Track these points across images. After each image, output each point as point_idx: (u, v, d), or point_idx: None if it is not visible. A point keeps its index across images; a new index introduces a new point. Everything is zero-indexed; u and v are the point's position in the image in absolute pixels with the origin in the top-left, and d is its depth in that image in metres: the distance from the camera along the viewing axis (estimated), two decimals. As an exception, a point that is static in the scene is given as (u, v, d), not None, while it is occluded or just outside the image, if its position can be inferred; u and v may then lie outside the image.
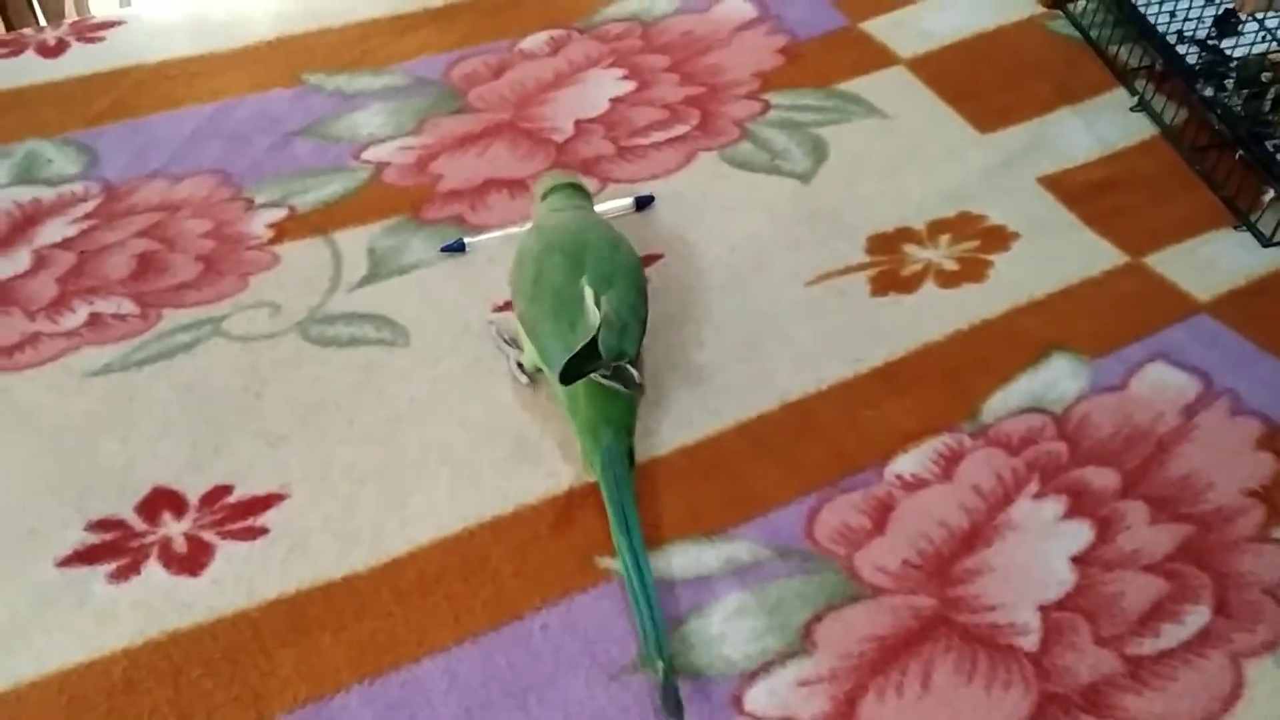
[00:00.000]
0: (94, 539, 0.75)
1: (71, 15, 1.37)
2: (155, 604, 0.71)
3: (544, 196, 0.92)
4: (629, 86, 1.14)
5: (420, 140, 1.07)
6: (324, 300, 0.91)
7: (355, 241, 0.96)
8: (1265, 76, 1.07)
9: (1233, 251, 0.97)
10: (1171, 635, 0.70)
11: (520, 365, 0.84)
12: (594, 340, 0.75)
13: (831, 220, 0.99)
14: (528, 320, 0.81)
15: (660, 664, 0.66)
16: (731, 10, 1.25)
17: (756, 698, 0.67)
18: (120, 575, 0.73)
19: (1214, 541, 0.75)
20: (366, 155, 1.05)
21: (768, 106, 1.12)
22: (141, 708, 0.66)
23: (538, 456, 0.80)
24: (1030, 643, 0.69)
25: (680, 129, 1.09)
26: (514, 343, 0.85)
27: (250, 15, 1.23)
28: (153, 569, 0.73)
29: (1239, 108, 1.05)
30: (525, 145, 1.07)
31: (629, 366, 0.76)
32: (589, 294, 0.79)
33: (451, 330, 0.89)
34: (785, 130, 1.09)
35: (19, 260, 0.95)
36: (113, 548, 0.74)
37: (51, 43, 1.20)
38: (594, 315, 0.77)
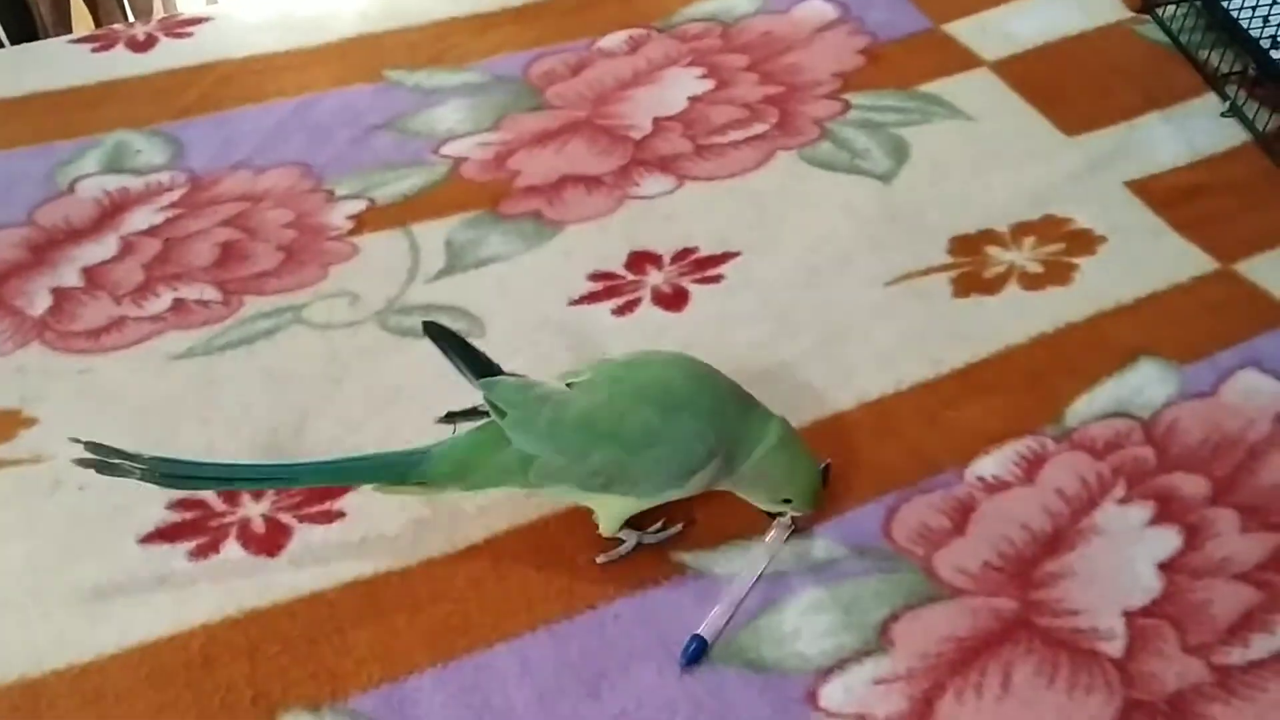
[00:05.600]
0: (176, 518, 0.76)
1: (159, 12, 1.40)
2: (233, 582, 0.72)
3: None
4: (708, 85, 1.14)
5: (499, 136, 1.08)
6: (402, 291, 0.92)
7: (433, 234, 0.97)
8: (1363, 82, 1.04)
9: (1327, 260, 0.94)
10: (1262, 646, 0.68)
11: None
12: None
13: (913, 221, 0.98)
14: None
15: None
16: (812, 11, 1.24)
17: (832, 694, 0.66)
18: (200, 553, 0.74)
19: (1308, 552, 0.73)
20: (445, 150, 1.06)
21: (848, 106, 1.11)
22: (219, 682, 0.67)
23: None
24: (1115, 649, 0.68)
25: (759, 128, 1.08)
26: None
27: (334, 13, 1.25)
28: (231, 548, 0.74)
29: (1335, 114, 1.02)
30: (603, 142, 1.07)
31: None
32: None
33: (528, 324, 0.89)
34: (866, 130, 1.08)
35: (108, 246, 0.97)
36: (193, 526, 0.75)
37: (141, 38, 1.22)
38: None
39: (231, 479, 0.73)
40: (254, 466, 0.75)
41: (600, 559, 0.73)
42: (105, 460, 0.69)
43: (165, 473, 0.70)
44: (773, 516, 0.74)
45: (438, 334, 0.76)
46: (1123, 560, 0.72)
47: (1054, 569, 0.72)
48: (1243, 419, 0.81)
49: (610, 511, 0.72)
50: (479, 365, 0.74)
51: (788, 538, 0.74)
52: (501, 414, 0.70)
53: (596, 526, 0.73)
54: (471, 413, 0.73)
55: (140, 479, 0.69)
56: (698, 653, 0.67)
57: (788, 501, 0.71)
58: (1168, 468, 0.77)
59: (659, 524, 0.74)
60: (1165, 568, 0.72)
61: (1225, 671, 0.67)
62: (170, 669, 0.68)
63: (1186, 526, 0.74)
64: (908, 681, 0.66)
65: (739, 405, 0.71)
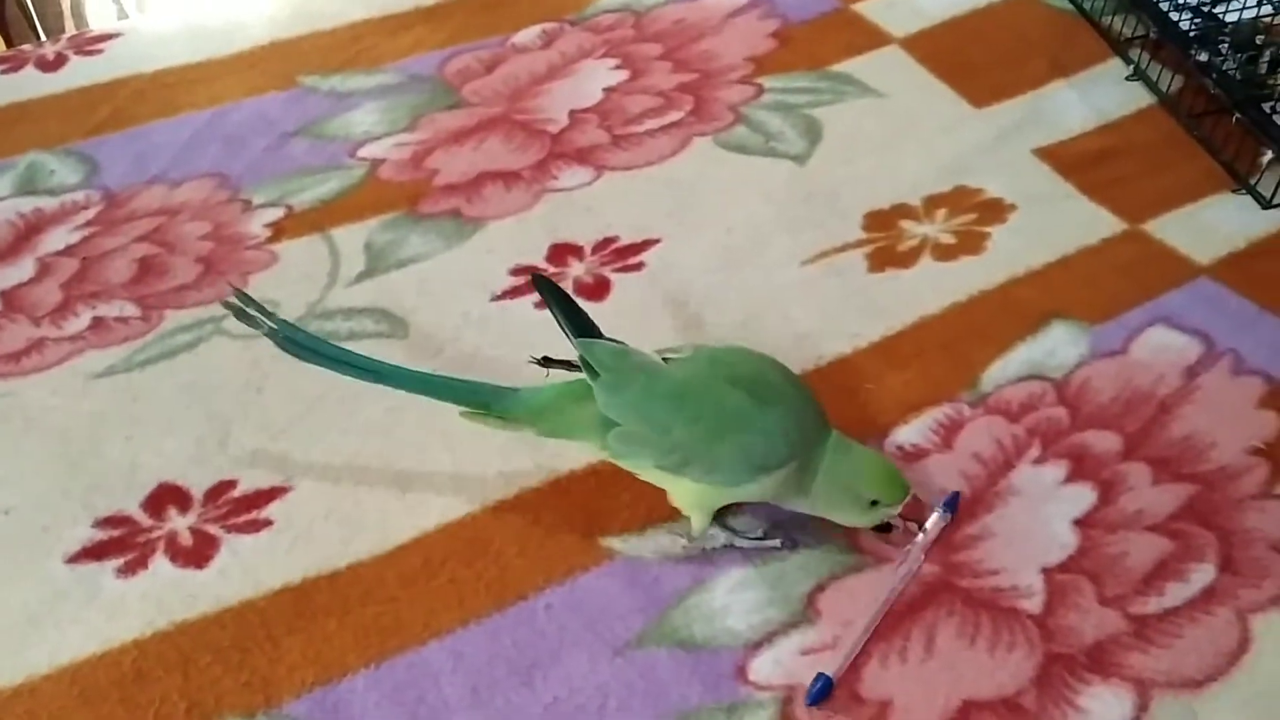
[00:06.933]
0: (102, 535, 0.76)
1: (70, 29, 1.38)
2: (163, 596, 0.72)
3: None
4: (622, 76, 1.14)
5: (415, 136, 1.08)
6: (323, 296, 0.92)
7: (352, 238, 0.97)
8: (1259, 39, 1.07)
9: (1232, 215, 0.96)
10: (1177, 594, 0.70)
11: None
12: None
13: (828, 200, 0.99)
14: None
15: None
16: (723, -3, 1.25)
17: (761, 667, 0.67)
18: (128, 570, 0.73)
19: (1218, 500, 0.75)
20: (362, 153, 1.06)
21: (761, 90, 1.12)
22: (152, 695, 0.67)
23: (539, 440, 0.80)
24: (1034, 605, 0.69)
25: (674, 115, 1.09)
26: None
27: (245, 21, 1.24)
28: (160, 563, 0.74)
29: (1235, 72, 1.05)
30: (520, 137, 1.07)
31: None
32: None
33: (451, 321, 0.89)
34: (779, 113, 1.09)
35: (24, 269, 0.96)
36: (120, 543, 0.75)
37: (51, 57, 1.21)
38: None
39: (341, 361, 0.75)
40: (363, 358, 0.76)
41: (683, 546, 0.73)
42: (243, 308, 0.75)
43: (288, 337, 0.75)
44: (885, 532, 0.72)
45: (544, 286, 0.77)
46: (1040, 519, 0.74)
47: (973, 531, 0.73)
48: (1153, 374, 0.83)
49: (684, 499, 0.72)
50: (581, 325, 0.74)
51: (924, 553, 0.72)
52: (595, 375, 0.71)
53: (526, 519, 0.74)
54: (567, 364, 0.73)
55: (266, 334, 0.75)
56: (823, 692, 0.65)
57: (876, 504, 0.69)
58: (1081, 426, 0.79)
59: (760, 532, 0.74)
60: (1081, 524, 0.74)
61: (1142, 621, 0.69)
62: (102, 686, 0.68)
63: (1100, 483, 0.76)
64: (835, 650, 0.67)
65: (818, 417, 0.70)
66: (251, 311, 0.75)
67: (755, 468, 0.68)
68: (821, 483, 0.69)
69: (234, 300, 0.76)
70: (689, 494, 0.71)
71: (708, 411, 0.69)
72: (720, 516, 0.73)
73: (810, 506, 0.70)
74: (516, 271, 0.94)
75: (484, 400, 0.74)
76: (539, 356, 0.74)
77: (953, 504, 0.74)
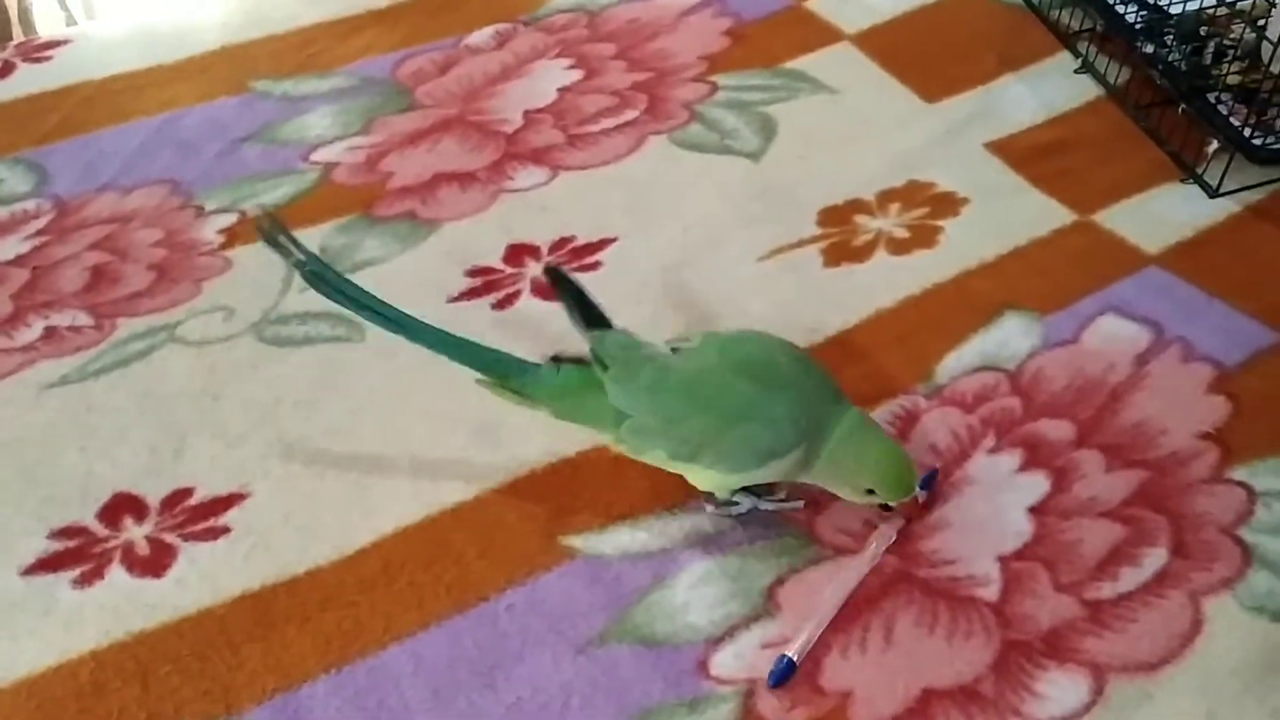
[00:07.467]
0: (58, 546, 0.75)
1: (18, 36, 1.36)
2: (120, 607, 0.71)
3: None
4: (576, 75, 1.15)
5: (369, 139, 1.07)
6: (277, 301, 0.91)
7: (307, 242, 0.94)
8: (1204, 30, 1.08)
9: (1180, 204, 0.98)
10: (1130, 578, 0.71)
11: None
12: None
13: (783, 196, 1.00)
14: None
15: None
16: (676, -4, 1.26)
17: (723, 661, 0.67)
18: (84, 580, 0.73)
19: (1169, 485, 0.76)
20: (315, 157, 1.06)
21: (715, 88, 1.12)
22: (110, 707, 0.66)
23: (498, 441, 0.80)
24: (991, 593, 0.70)
25: (630, 114, 1.09)
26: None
27: (195, 26, 1.23)
28: (116, 573, 0.73)
29: (1180, 63, 1.06)
30: (475, 138, 1.07)
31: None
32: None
33: (408, 323, 0.89)
34: (734, 110, 1.09)
35: (-28, 279, 0.95)
36: (76, 554, 0.74)
37: (-2, 64, 1.20)
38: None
39: (366, 307, 0.74)
40: (390, 307, 0.74)
41: (709, 509, 0.75)
42: (273, 235, 0.74)
43: (315, 272, 0.74)
44: (887, 510, 0.73)
45: (557, 279, 0.77)
46: (995, 508, 0.75)
47: (930, 521, 0.74)
48: (1104, 362, 0.84)
49: (702, 483, 0.73)
50: (593, 317, 0.75)
51: (890, 545, 0.72)
52: (604, 367, 0.71)
53: (486, 520, 0.74)
54: (578, 360, 0.74)
55: (294, 266, 0.75)
56: (785, 673, 0.66)
57: (871, 492, 0.69)
58: (1034, 415, 0.80)
59: (782, 494, 0.75)
60: (1036, 511, 0.74)
61: (1096, 606, 0.69)
62: (60, 699, 0.67)
63: (1054, 470, 0.77)
64: (794, 642, 0.68)
65: (829, 395, 0.70)
66: (282, 240, 0.74)
67: (763, 455, 0.69)
68: (825, 462, 0.69)
69: (263, 225, 0.74)
70: (706, 479, 0.72)
71: (716, 402, 0.69)
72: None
73: (812, 478, 0.71)
74: (473, 273, 0.93)
75: (505, 371, 0.74)
76: (551, 354, 0.74)
77: (929, 482, 0.75)
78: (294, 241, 0.74)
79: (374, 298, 0.74)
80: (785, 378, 0.70)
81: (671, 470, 0.72)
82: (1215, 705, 0.65)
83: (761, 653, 0.68)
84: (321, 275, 0.75)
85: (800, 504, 0.75)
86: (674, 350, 0.73)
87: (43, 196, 1.03)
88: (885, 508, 0.73)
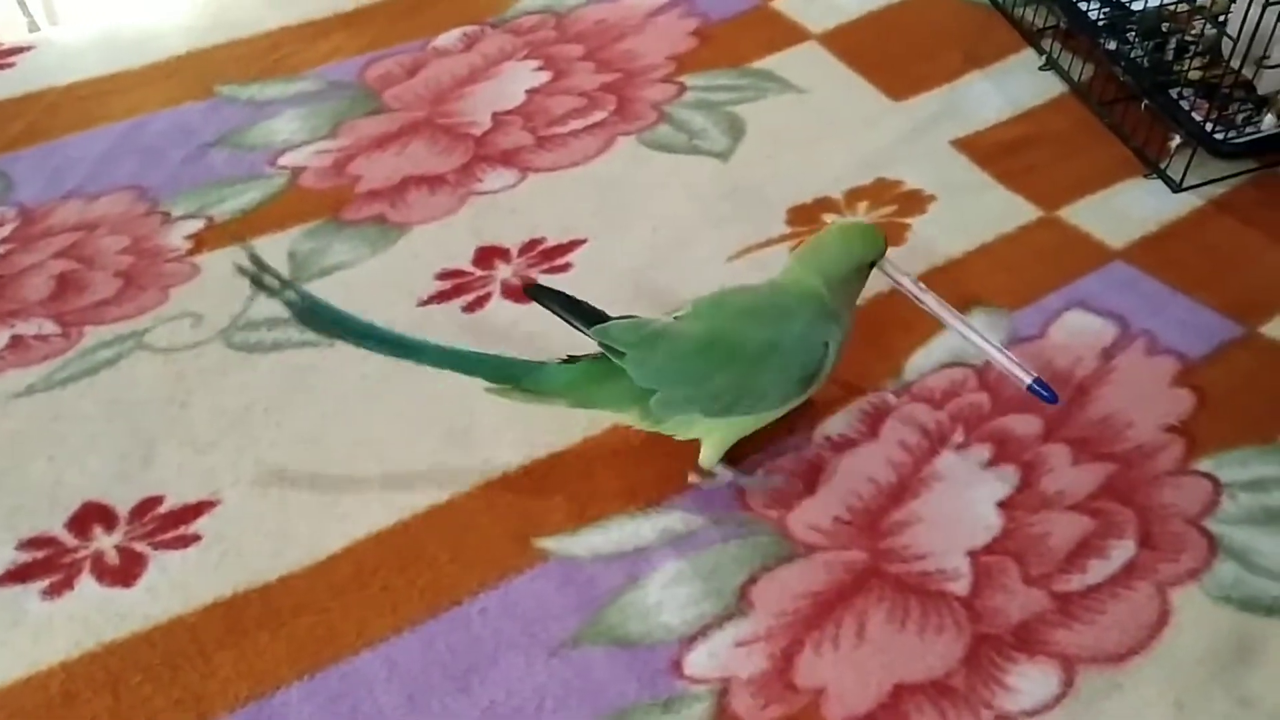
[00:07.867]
0: (26, 557, 0.74)
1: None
2: (90, 617, 0.71)
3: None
4: (545, 77, 1.15)
5: (337, 143, 1.07)
6: (246, 307, 0.91)
7: (275, 247, 0.96)
8: (1165, 27, 1.09)
9: (1144, 199, 0.99)
10: (1099, 570, 0.71)
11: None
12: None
13: (752, 195, 1.00)
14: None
15: None
16: (643, -3, 1.26)
17: (696, 661, 0.68)
18: (54, 591, 0.72)
19: (1136, 477, 0.76)
20: (283, 161, 1.05)
21: (683, 89, 1.12)
22: (81, 717, 0.66)
23: (470, 444, 0.80)
24: (961, 587, 0.71)
25: (598, 115, 1.10)
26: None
27: (160, 31, 1.23)
28: (86, 583, 0.73)
29: (1143, 59, 1.07)
30: (444, 141, 1.07)
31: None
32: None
33: (378, 327, 0.89)
34: (702, 110, 1.10)
35: (-64, 289, 0.94)
36: (45, 564, 0.74)
37: (-40, 72, 1.19)
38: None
39: (365, 336, 0.73)
40: (390, 332, 0.74)
41: (692, 478, 0.76)
42: (259, 276, 0.72)
43: (309, 308, 0.73)
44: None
45: (540, 294, 0.78)
46: (964, 503, 0.75)
47: (901, 517, 0.74)
48: (1071, 357, 0.85)
49: (726, 435, 0.74)
50: (587, 315, 0.76)
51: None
52: (619, 355, 0.72)
53: (458, 524, 0.74)
54: (590, 358, 0.75)
55: (285, 304, 0.73)
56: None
57: (873, 265, 0.74)
58: (1002, 410, 0.81)
59: (759, 472, 0.78)
60: (1004, 505, 0.75)
61: (1065, 598, 0.70)
62: (30, 710, 0.67)
63: (1022, 465, 0.77)
64: (768, 640, 0.68)
65: (823, 300, 0.73)
66: (267, 279, 0.72)
67: (799, 381, 0.73)
68: (844, 306, 0.75)
69: (248, 265, 0.72)
70: (734, 431, 0.74)
71: (738, 351, 0.72)
72: (727, 457, 0.76)
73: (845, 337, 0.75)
74: (443, 276, 0.93)
75: (514, 375, 0.74)
76: (564, 357, 0.75)
77: (1046, 387, 0.73)
78: (282, 280, 0.72)
79: (372, 326, 0.74)
80: (783, 309, 0.73)
81: (693, 435, 0.74)
82: (1183, 694, 0.66)
83: (735, 651, 0.68)
84: (315, 311, 0.73)
85: (779, 480, 0.77)
86: (675, 319, 0.75)
87: (7, 204, 1.02)
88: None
